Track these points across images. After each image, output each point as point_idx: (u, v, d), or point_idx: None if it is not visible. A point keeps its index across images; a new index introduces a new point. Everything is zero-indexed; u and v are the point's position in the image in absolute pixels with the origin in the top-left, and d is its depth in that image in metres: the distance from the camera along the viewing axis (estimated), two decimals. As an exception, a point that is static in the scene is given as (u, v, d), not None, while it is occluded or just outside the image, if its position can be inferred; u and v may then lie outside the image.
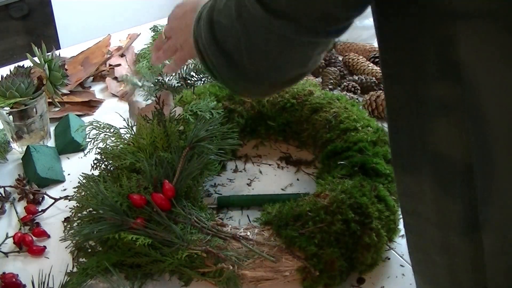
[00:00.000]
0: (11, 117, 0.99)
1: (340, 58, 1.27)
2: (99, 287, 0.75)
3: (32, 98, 0.98)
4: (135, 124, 0.88)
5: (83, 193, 0.79)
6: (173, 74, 1.14)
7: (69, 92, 1.15)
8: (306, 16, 0.51)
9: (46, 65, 1.00)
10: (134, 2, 2.40)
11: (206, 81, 1.14)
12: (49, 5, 2.16)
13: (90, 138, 0.87)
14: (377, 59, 1.23)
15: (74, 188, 0.82)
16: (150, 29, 1.39)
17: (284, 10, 0.51)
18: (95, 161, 0.85)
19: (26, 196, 0.92)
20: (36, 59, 1.01)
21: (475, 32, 0.44)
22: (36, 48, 1.01)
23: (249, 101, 0.97)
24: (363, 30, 1.33)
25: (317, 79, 1.19)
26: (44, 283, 0.74)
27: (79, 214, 0.79)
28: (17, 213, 0.89)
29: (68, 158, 1.02)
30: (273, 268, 0.73)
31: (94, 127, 0.87)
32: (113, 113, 1.09)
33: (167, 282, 0.76)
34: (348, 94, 1.10)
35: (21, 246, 0.82)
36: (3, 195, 0.92)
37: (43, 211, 0.89)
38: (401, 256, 0.81)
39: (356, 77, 1.17)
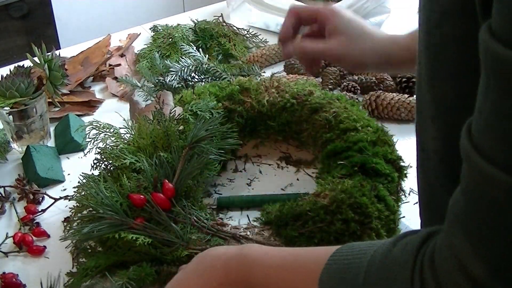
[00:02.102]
0: (11, 117, 0.99)
1: (340, 58, 1.27)
2: (99, 287, 0.75)
3: (32, 98, 0.98)
4: (135, 124, 0.88)
5: (83, 193, 0.79)
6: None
7: (69, 92, 1.15)
8: None
9: (46, 65, 1.00)
10: (134, 2, 2.40)
11: (206, 81, 1.15)
12: (49, 5, 2.16)
13: (90, 138, 0.87)
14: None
15: (74, 188, 0.82)
16: (150, 29, 1.40)
17: None
18: (95, 161, 0.85)
19: (26, 196, 0.92)
20: (36, 59, 1.01)
21: None
22: (36, 48, 1.01)
23: (249, 101, 0.97)
24: (363, 30, 1.33)
25: (317, 79, 1.19)
26: (54, 284, 0.73)
27: (79, 214, 0.79)
28: (17, 213, 0.89)
29: (68, 158, 1.02)
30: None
31: (94, 127, 0.87)
32: (113, 113, 1.09)
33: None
34: (348, 94, 1.10)
35: (21, 246, 0.82)
36: (3, 195, 0.92)
37: (43, 211, 0.89)
38: (401, 256, 0.81)
39: (356, 77, 1.17)
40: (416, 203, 0.89)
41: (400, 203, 0.84)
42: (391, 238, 0.51)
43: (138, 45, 1.34)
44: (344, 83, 1.15)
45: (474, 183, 0.42)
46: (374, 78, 1.17)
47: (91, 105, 1.16)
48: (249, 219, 0.86)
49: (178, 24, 1.37)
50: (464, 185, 0.44)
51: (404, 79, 1.14)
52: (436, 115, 0.56)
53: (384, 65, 0.82)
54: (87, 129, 0.88)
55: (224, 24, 1.37)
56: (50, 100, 1.06)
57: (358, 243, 0.55)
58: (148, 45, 1.33)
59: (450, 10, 0.50)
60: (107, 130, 0.87)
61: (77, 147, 1.03)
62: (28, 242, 0.83)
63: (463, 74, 0.51)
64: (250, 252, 0.61)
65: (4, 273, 0.78)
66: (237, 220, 0.87)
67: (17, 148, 1.03)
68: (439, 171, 0.59)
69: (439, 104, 0.55)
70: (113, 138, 0.86)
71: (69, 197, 0.86)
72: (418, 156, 0.64)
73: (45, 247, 0.83)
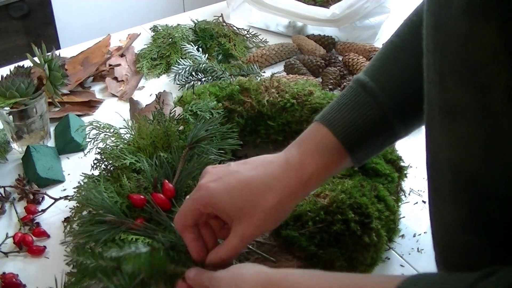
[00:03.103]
0: (11, 117, 0.99)
1: (340, 58, 1.27)
2: (99, 287, 0.75)
3: (32, 98, 0.98)
4: (135, 124, 0.88)
5: (83, 193, 0.79)
6: None
7: (69, 92, 1.15)
8: None
9: (46, 65, 1.00)
10: (134, 2, 2.40)
11: (205, 81, 1.15)
12: (49, 5, 2.16)
13: (90, 138, 0.87)
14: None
15: (74, 188, 0.82)
16: (150, 29, 1.40)
17: None
18: (95, 161, 0.85)
19: (26, 196, 0.92)
20: (36, 59, 1.01)
21: None
22: (36, 48, 1.01)
23: (249, 101, 0.97)
24: (363, 30, 1.33)
25: (317, 79, 1.19)
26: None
27: (79, 214, 0.79)
28: (17, 213, 0.89)
29: (68, 158, 1.02)
30: (273, 268, 0.72)
31: (94, 127, 0.87)
32: (113, 113, 1.09)
33: (167, 282, 0.76)
34: (348, 94, 1.10)
35: (21, 246, 0.82)
36: (3, 195, 0.92)
37: (43, 211, 0.89)
38: (401, 256, 0.81)
39: (356, 77, 1.17)
40: (416, 203, 0.89)
41: (400, 203, 0.84)
42: (469, 279, 0.45)
43: (138, 45, 1.34)
44: (344, 83, 1.15)
45: None
46: (374, 78, 1.16)
47: (91, 105, 1.16)
48: (249, 219, 0.86)
49: (178, 24, 1.37)
50: None
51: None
52: (454, 161, 0.51)
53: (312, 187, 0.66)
54: (87, 129, 0.88)
55: (224, 24, 1.37)
56: (50, 100, 1.06)
57: (426, 278, 0.49)
58: (148, 45, 1.33)
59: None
60: (107, 130, 0.87)
61: (77, 147, 1.03)
62: (28, 242, 0.83)
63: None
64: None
65: (4, 273, 0.78)
66: (237, 220, 0.87)
67: (17, 148, 1.03)
68: (457, 214, 0.53)
69: (459, 150, 0.50)
70: (113, 138, 0.86)
71: (69, 197, 0.86)
72: (430, 194, 0.58)
73: (45, 247, 0.83)
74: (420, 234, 0.84)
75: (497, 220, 0.50)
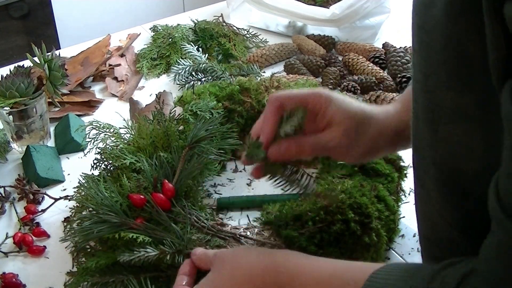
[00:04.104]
0: (11, 117, 0.99)
1: (340, 58, 1.27)
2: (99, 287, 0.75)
3: (32, 98, 0.98)
4: (135, 124, 0.88)
5: (83, 193, 0.79)
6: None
7: (69, 92, 1.15)
8: None
9: (46, 65, 1.00)
10: (134, 2, 2.40)
11: (205, 81, 1.15)
12: (49, 5, 2.16)
13: (90, 138, 0.87)
14: (376, 59, 1.23)
15: (74, 188, 0.82)
16: (150, 29, 1.40)
17: None
18: (95, 161, 0.85)
19: (26, 196, 0.92)
20: (36, 59, 1.01)
21: None
22: (36, 48, 1.01)
23: (248, 101, 0.97)
24: (363, 30, 1.33)
25: (317, 79, 1.19)
26: None
27: (79, 214, 0.79)
28: (17, 213, 0.89)
29: (68, 158, 1.02)
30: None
31: (94, 127, 0.87)
32: (113, 113, 1.09)
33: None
34: (348, 94, 1.10)
35: (21, 246, 0.82)
36: (3, 195, 0.92)
37: (43, 211, 0.89)
38: (401, 256, 0.81)
39: (356, 77, 1.17)
40: (416, 203, 0.89)
41: (400, 203, 0.84)
42: (432, 269, 0.48)
43: (138, 45, 1.34)
44: (344, 83, 1.15)
45: (509, 248, 0.42)
46: (374, 78, 1.17)
47: (91, 105, 1.16)
48: (249, 219, 0.86)
49: (178, 24, 1.37)
50: (498, 247, 0.43)
51: (404, 79, 1.14)
52: (437, 159, 0.53)
53: (399, 142, 0.69)
54: (87, 129, 0.88)
55: (224, 24, 1.37)
56: (50, 100, 1.06)
57: (397, 267, 0.53)
58: (148, 45, 1.33)
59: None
60: (107, 130, 0.87)
61: (77, 147, 1.03)
62: (28, 242, 0.83)
63: (471, 113, 0.48)
64: (285, 269, 0.59)
65: (4, 273, 0.78)
66: (237, 220, 0.87)
67: (17, 148, 1.03)
68: (442, 209, 0.56)
69: (442, 148, 0.52)
70: (113, 138, 0.86)
71: (69, 197, 0.86)
72: (416, 191, 0.61)
73: (45, 247, 0.83)
74: (420, 234, 0.84)
75: (480, 217, 0.51)
